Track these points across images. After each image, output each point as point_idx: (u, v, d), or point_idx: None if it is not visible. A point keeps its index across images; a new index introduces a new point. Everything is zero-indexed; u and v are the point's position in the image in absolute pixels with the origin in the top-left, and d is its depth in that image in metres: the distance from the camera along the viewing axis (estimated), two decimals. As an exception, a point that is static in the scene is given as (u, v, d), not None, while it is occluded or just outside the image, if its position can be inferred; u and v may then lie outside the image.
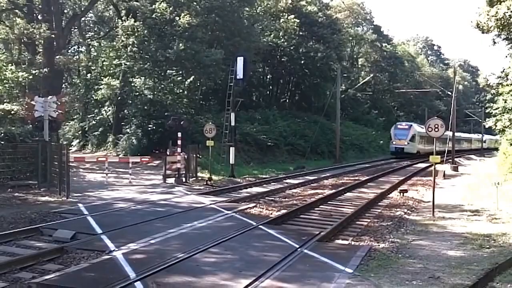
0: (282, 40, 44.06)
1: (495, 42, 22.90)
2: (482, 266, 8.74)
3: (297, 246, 9.87)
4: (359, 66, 74.24)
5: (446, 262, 9.08)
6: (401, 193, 19.40)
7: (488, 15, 20.13)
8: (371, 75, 64.85)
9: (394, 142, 50.15)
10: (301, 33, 45.96)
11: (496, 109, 29.49)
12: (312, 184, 23.41)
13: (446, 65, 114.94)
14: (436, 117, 16.71)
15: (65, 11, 34.16)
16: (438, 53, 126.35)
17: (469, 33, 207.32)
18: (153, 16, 29.60)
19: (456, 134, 39.82)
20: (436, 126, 14.86)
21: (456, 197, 18.89)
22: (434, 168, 15.46)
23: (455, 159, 39.14)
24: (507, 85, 26.22)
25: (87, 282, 7.37)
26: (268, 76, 50.42)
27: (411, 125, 51.07)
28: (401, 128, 50.44)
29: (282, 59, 46.41)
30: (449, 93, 50.27)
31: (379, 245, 10.40)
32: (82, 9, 34.70)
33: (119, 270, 7.94)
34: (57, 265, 8.48)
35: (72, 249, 9.28)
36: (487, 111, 36.03)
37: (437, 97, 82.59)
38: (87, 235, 10.50)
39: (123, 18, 31.38)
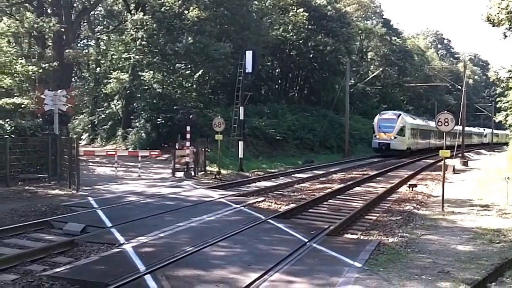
0: (291, 34, 43.93)
1: (506, 36, 22.73)
2: (492, 261, 8.70)
3: (306, 240, 9.87)
4: (369, 60, 73.73)
5: (455, 257, 9.04)
6: (410, 188, 19.33)
7: (499, 7, 19.97)
8: (381, 69, 64.32)
9: (377, 136, 39.72)
10: (310, 26, 45.73)
11: (506, 103, 29.29)
12: (320, 179, 23.38)
13: (456, 59, 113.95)
14: (446, 111, 16.57)
15: (75, 4, 34.24)
16: (448, 47, 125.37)
17: (480, 26, 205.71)
18: (162, 9, 29.68)
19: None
20: (446, 120, 14.76)
21: (465, 192, 18.79)
22: (444, 162, 15.38)
23: (465, 153, 38.86)
24: (517, 79, 26.03)
25: (97, 275, 7.42)
26: (277, 70, 50.32)
27: (400, 114, 41.34)
28: (386, 119, 40.23)
29: (291, 53, 46.28)
30: (459, 87, 49.73)
31: (388, 240, 10.37)
32: (92, 2, 34.78)
33: (128, 263, 7.99)
34: (67, 258, 8.54)
35: (82, 242, 9.34)
36: (497, 105, 35.72)
37: (447, 91, 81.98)
38: (97, 228, 10.56)
39: (132, 12, 31.47)
